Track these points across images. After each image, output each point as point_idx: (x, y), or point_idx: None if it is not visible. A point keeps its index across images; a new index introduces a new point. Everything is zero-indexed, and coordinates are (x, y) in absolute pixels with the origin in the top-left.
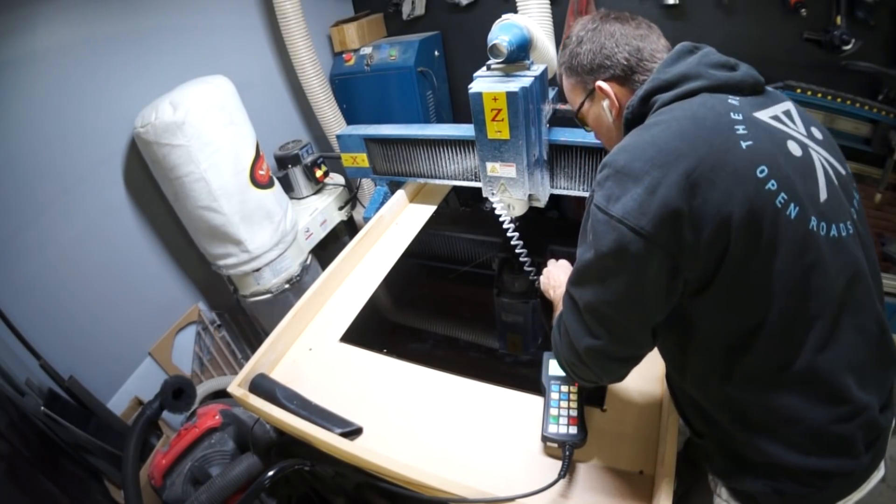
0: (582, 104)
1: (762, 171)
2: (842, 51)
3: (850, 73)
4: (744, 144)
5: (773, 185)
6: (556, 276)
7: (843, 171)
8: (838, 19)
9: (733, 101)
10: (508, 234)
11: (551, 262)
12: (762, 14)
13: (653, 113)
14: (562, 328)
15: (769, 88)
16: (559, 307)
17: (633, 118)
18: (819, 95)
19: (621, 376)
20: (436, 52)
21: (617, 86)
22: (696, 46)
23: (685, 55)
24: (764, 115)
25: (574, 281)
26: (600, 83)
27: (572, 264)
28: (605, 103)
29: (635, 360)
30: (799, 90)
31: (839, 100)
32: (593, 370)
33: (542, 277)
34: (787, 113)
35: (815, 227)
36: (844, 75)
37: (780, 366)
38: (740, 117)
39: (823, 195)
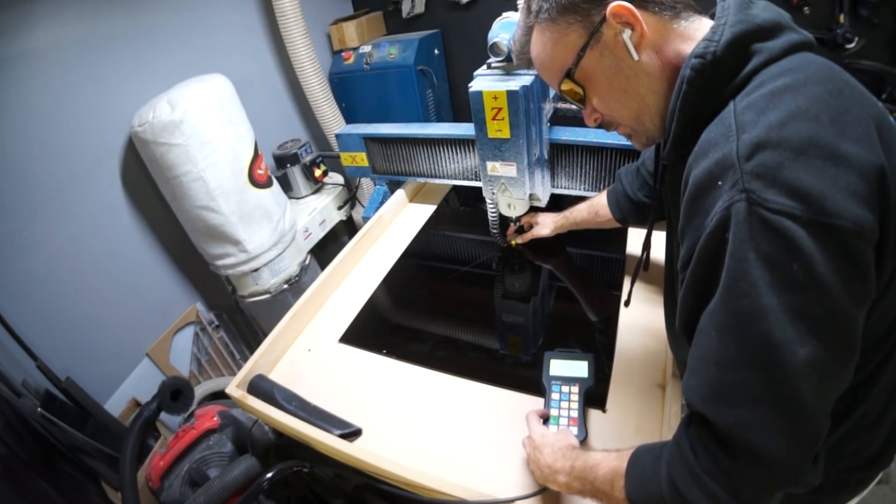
0: (580, 56)
1: None
2: (845, 49)
3: (854, 72)
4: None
5: None
6: (540, 461)
7: None
8: (841, 17)
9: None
10: (490, 215)
11: (530, 444)
12: None
13: (759, 73)
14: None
15: None
16: (573, 488)
17: (717, 73)
18: None
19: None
20: (435, 51)
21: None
22: None
23: None
24: None
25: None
26: (618, 3)
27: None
28: (627, 35)
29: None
30: None
31: None
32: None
33: (533, 469)
34: None
35: None
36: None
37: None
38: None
39: None
